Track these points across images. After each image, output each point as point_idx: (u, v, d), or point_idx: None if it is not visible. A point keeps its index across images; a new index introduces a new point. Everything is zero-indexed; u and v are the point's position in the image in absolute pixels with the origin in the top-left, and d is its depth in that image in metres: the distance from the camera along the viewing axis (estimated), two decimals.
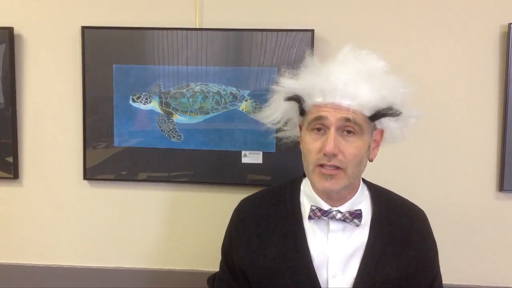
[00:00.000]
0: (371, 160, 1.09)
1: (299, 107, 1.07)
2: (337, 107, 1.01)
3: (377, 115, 1.03)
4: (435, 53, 1.44)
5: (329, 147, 0.99)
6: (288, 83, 1.09)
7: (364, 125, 1.03)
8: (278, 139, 1.29)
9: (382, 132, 1.10)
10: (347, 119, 1.01)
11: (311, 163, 1.04)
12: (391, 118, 1.06)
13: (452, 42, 1.44)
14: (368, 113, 1.03)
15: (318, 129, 1.03)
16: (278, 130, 1.23)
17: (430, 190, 1.47)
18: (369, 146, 1.06)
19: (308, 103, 1.05)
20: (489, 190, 1.47)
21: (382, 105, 1.03)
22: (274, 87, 1.13)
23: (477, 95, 1.45)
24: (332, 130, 1.00)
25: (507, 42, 1.40)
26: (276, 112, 1.14)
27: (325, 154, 1.00)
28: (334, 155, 1.00)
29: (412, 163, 1.48)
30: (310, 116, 1.05)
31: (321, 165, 1.02)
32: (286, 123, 1.18)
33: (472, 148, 1.46)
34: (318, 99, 1.03)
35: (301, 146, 1.11)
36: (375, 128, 1.07)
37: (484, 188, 1.47)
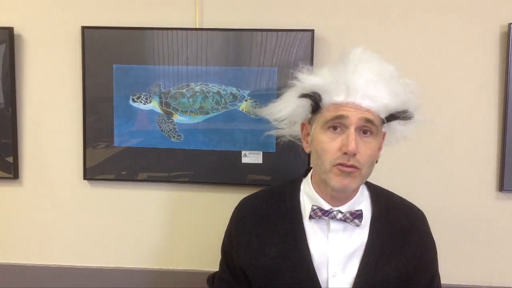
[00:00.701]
0: (376, 162, 1.09)
1: (312, 105, 1.06)
2: (357, 107, 1.01)
3: (391, 117, 1.04)
4: (435, 53, 1.44)
5: (352, 147, 0.98)
6: (309, 79, 1.07)
7: (379, 126, 1.03)
8: (278, 138, 1.29)
9: (384, 134, 1.11)
10: (368, 120, 1.00)
11: (327, 162, 1.02)
12: (401, 122, 1.06)
13: (452, 42, 1.44)
14: (384, 115, 1.03)
15: (334, 128, 1.02)
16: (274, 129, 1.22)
17: (430, 190, 1.47)
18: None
19: (327, 101, 1.03)
20: (489, 190, 1.47)
21: (400, 108, 1.03)
22: (293, 82, 1.11)
23: (477, 95, 1.45)
24: (352, 130, 0.99)
25: (507, 42, 1.40)
26: (285, 109, 1.11)
27: (345, 153, 0.99)
28: (354, 155, 0.99)
29: (412, 163, 1.48)
30: (328, 114, 1.03)
31: (340, 164, 1.01)
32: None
33: (472, 148, 1.46)
34: (339, 98, 1.02)
35: (308, 145, 1.10)
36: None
37: (484, 188, 1.47)
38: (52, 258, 1.59)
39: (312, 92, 1.05)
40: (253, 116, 1.46)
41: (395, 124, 1.07)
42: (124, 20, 1.49)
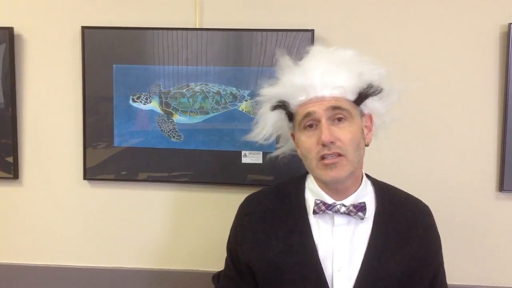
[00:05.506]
0: (367, 145, 1.10)
1: (286, 113, 1.10)
2: (321, 99, 1.04)
3: (360, 97, 1.07)
4: (435, 53, 1.44)
5: (325, 136, 1.01)
6: (269, 91, 1.13)
7: (351, 109, 1.06)
8: (279, 157, 1.29)
9: (370, 116, 1.12)
10: (334, 107, 1.04)
11: (312, 159, 1.05)
12: (375, 98, 1.08)
13: (452, 42, 1.44)
14: (351, 97, 1.06)
15: (310, 126, 1.06)
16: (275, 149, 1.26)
17: (430, 190, 1.47)
18: (363, 131, 1.08)
19: (293, 104, 1.09)
20: (489, 190, 1.47)
21: (361, 84, 1.06)
22: (258, 99, 1.17)
23: (477, 95, 1.45)
24: (323, 121, 1.03)
25: (507, 42, 1.40)
26: (265, 127, 1.15)
27: (323, 145, 1.02)
28: (332, 143, 1.02)
29: (412, 163, 1.47)
30: (298, 117, 1.08)
31: (323, 158, 1.03)
32: (277, 139, 1.21)
33: (472, 148, 1.46)
34: (302, 97, 1.06)
35: (298, 150, 1.13)
36: (363, 114, 1.10)
37: (484, 188, 1.47)
38: (52, 258, 1.59)
39: (279, 101, 1.10)
40: (253, 116, 1.46)
41: (371, 103, 1.09)
42: (124, 20, 1.49)
